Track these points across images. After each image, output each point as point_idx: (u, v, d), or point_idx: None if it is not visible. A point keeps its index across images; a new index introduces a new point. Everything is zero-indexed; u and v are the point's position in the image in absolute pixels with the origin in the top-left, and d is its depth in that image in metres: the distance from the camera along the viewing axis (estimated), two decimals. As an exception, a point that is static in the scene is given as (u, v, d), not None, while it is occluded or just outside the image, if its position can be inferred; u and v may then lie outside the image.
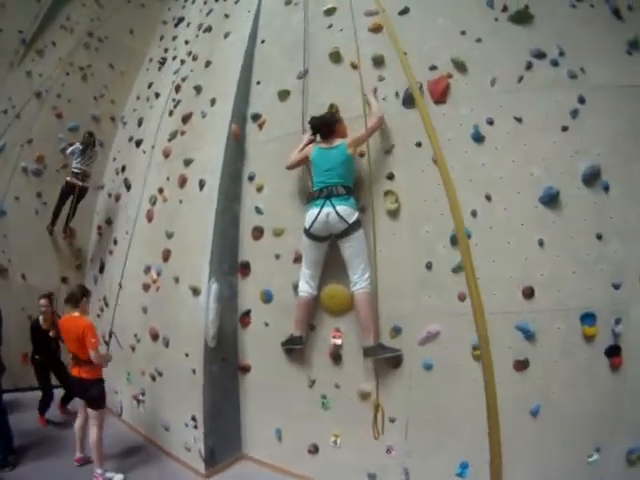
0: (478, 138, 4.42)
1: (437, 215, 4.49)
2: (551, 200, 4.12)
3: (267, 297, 5.42)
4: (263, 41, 6.44)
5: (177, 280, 6.05)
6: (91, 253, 9.03)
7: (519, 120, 4.33)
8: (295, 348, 4.97)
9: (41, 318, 6.52)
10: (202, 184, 6.10)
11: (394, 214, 4.71)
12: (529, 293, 4.03)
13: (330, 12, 5.76)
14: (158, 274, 6.44)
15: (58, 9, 9.60)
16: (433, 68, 4.76)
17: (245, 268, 5.74)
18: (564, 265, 4.07)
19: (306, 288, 4.85)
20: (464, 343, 4.19)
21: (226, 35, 7.15)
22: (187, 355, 5.54)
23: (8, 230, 8.22)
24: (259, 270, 5.64)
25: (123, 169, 8.60)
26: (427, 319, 4.42)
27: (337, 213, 4.36)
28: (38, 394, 6.58)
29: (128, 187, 8.03)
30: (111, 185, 8.98)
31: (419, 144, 4.66)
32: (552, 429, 3.95)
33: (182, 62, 7.98)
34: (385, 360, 4.46)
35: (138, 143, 8.28)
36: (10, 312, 6.35)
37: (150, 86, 8.89)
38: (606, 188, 4.12)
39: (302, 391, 5.07)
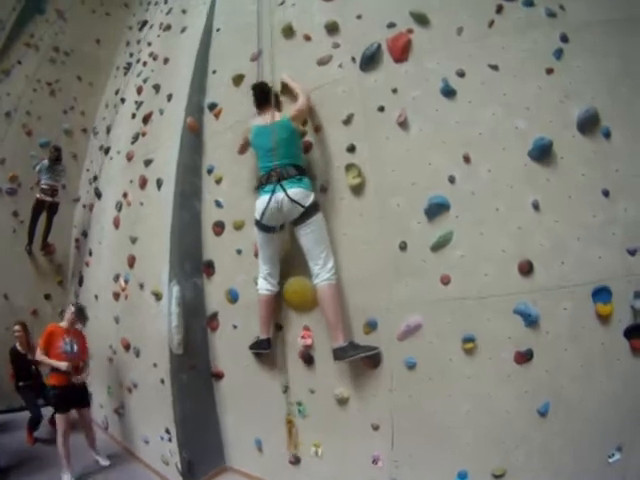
0: (448, 92, 3.32)
1: (407, 185, 3.37)
2: (543, 153, 3.02)
3: (233, 297, 4.32)
4: (218, 29, 5.39)
5: (142, 286, 5.05)
6: (71, 267, 8.00)
7: (494, 67, 3.24)
8: (263, 352, 3.93)
9: (17, 344, 5.81)
10: (159, 183, 5.12)
11: (358, 190, 3.59)
12: (527, 269, 2.94)
13: None
14: (126, 282, 5.46)
15: (21, 27, 8.56)
16: (391, 25, 3.66)
17: (209, 267, 4.65)
18: (566, 231, 2.99)
19: (265, 285, 3.80)
20: (452, 335, 3.11)
21: (183, 30, 6.14)
22: (155, 365, 4.57)
23: None
24: (223, 268, 4.53)
25: (95, 179, 7.58)
26: (405, 309, 3.30)
27: (289, 197, 3.34)
28: (28, 414, 5.78)
29: (99, 196, 7.10)
30: (85, 196, 7.93)
31: (381, 108, 3.55)
32: (564, 429, 2.87)
33: (144, 64, 7.01)
34: (361, 360, 3.31)
35: (107, 151, 7.32)
36: (-6, 333, 6.11)
37: (117, 93, 7.83)
38: (607, 135, 3.02)
39: (277, 397, 3.94)
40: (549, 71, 3.16)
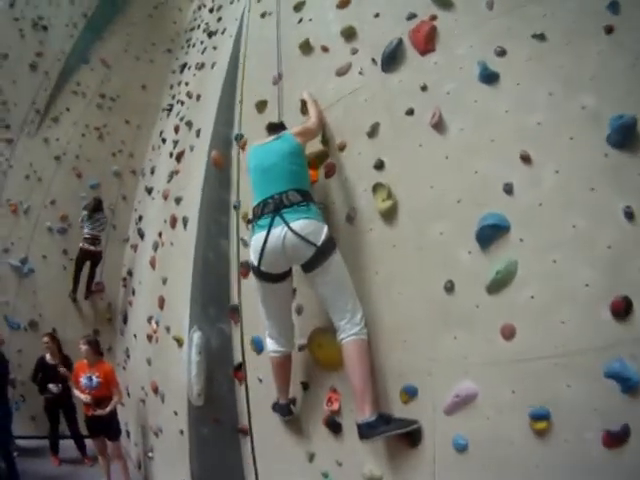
0: (489, 77, 2.36)
1: (451, 204, 2.36)
2: (626, 137, 1.93)
3: (257, 346, 3.40)
4: (244, 60, 4.70)
5: (168, 330, 4.45)
6: (120, 306, 7.55)
7: (540, 37, 2.25)
8: (283, 419, 3.00)
9: (48, 354, 5.55)
10: (185, 221, 4.54)
11: (389, 215, 2.61)
12: (623, 309, 1.85)
13: (299, 7, 4.22)
14: (157, 324, 4.90)
15: (68, 77, 8.40)
16: (412, 17, 2.83)
17: (234, 313, 3.81)
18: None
19: (274, 346, 2.78)
20: (517, 409, 2.03)
21: (213, 65, 5.65)
22: (176, 414, 4.07)
23: (37, 287, 7.15)
24: (249, 314, 3.60)
25: (140, 219, 7.26)
26: (455, 372, 2.23)
27: (294, 232, 2.32)
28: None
29: (142, 236, 6.68)
30: (132, 236, 7.56)
31: (410, 111, 2.65)
32: None
33: (182, 103, 6.66)
34: (397, 435, 2.29)
35: (149, 191, 6.94)
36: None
37: (161, 134, 7.48)
38: None
39: (302, 465, 2.96)
40: (608, 30, 2.11)
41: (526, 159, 2.15)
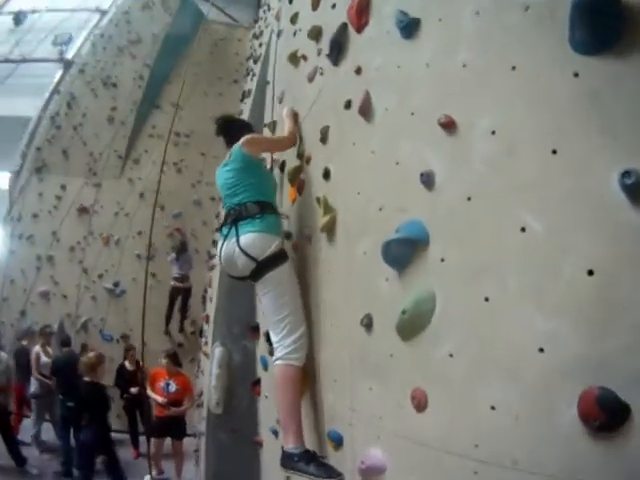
0: (409, 28, 1.49)
1: (374, 214, 1.58)
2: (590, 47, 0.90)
3: (263, 364, 3.07)
4: (267, 82, 4.48)
5: (206, 344, 4.72)
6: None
7: None
8: None
9: (127, 362, 5.99)
10: (214, 241, 4.78)
11: (329, 232, 1.98)
12: (598, 414, 0.81)
13: (294, 19, 4.04)
14: (205, 339, 5.23)
15: (143, 123, 8.88)
16: None
17: (255, 331, 3.51)
18: None
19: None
20: None
21: (249, 92, 5.88)
22: (204, 419, 4.38)
23: (128, 305, 7.65)
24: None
25: (213, 242, 7.01)
26: (369, 433, 1.46)
27: (240, 248, 2.13)
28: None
29: (211, 257, 6.73)
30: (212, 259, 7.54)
31: (348, 104, 1.91)
32: None
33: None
34: None
35: (217, 215, 6.86)
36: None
37: (232, 161, 7.74)
38: None
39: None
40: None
41: (449, 126, 1.20)
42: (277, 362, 2.04)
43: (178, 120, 8.76)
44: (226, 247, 2.25)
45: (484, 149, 1.09)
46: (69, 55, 9.70)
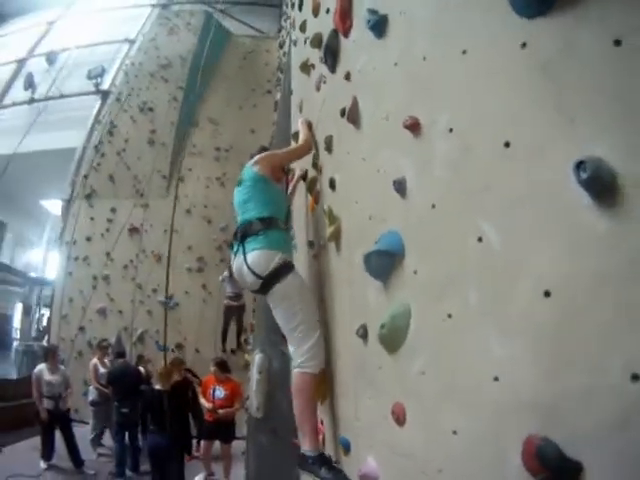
0: (379, 25, 1.45)
1: (365, 222, 1.57)
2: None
3: None
4: (291, 92, 4.52)
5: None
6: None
7: None
8: None
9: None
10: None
11: (336, 243, 1.97)
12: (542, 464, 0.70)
13: (303, 27, 4.04)
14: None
15: (183, 142, 9.09)
16: None
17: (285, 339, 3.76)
18: None
19: None
20: None
21: (276, 103, 6.04)
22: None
23: (182, 316, 7.99)
24: None
25: None
26: (367, 442, 1.45)
27: (246, 263, 2.20)
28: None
29: None
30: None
31: (342, 112, 1.86)
32: None
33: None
34: None
35: None
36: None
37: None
38: None
39: None
40: None
41: (414, 128, 1.13)
42: (294, 370, 2.10)
43: (217, 136, 9.02)
44: (236, 263, 2.33)
45: (444, 150, 1.00)
46: (104, 86, 10.31)
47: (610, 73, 0.64)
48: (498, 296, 0.80)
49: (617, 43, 0.62)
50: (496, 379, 0.79)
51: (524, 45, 0.79)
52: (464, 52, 0.97)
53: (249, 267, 2.21)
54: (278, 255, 2.21)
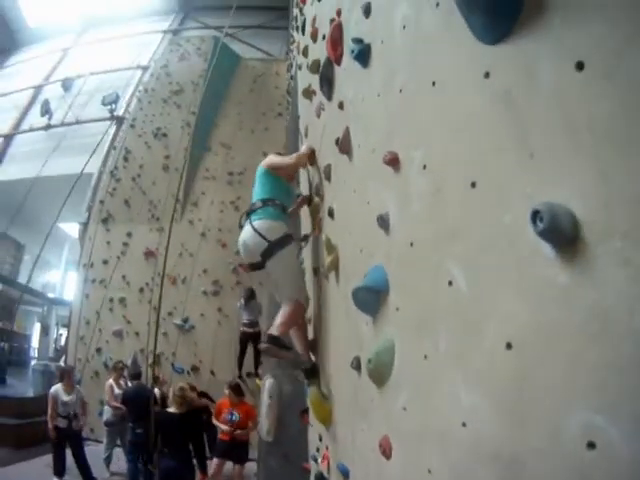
0: (363, 54, 1.47)
1: (357, 255, 1.56)
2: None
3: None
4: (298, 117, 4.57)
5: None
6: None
7: None
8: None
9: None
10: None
11: (334, 272, 1.97)
12: None
13: (305, 52, 4.09)
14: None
15: (196, 167, 9.20)
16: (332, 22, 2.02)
17: None
18: None
19: None
20: None
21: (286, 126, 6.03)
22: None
23: (198, 339, 7.99)
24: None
25: None
26: (361, 472, 1.49)
27: (254, 229, 2.57)
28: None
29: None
30: (269, 288, 8.06)
31: (337, 141, 1.86)
32: None
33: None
34: None
35: None
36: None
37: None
38: None
39: None
40: None
41: (394, 163, 1.14)
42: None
43: (229, 160, 9.12)
44: (243, 234, 2.69)
45: (420, 187, 0.99)
46: (119, 112, 10.58)
47: (572, 103, 0.57)
48: (465, 343, 0.78)
49: (579, 67, 0.56)
50: (464, 425, 0.76)
51: (487, 75, 0.75)
52: (433, 84, 0.95)
53: (256, 230, 2.55)
54: (283, 226, 2.59)
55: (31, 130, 11.19)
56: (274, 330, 2.48)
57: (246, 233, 2.63)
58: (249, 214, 2.71)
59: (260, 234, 2.53)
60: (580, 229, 0.55)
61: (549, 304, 0.59)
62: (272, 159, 3.03)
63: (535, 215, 0.58)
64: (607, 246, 0.51)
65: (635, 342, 0.48)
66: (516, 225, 0.65)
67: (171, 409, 4.60)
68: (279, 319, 2.52)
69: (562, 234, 0.55)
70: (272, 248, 2.55)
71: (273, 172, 2.92)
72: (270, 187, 3.01)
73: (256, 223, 2.58)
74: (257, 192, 2.89)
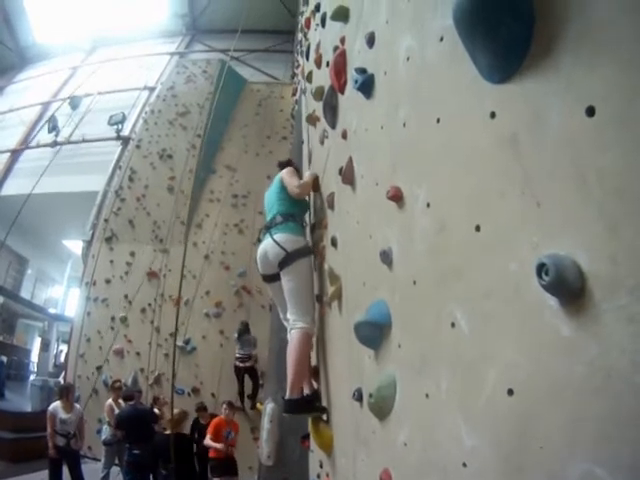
0: (367, 85, 1.48)
1: (359, 288, 1.56)
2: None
3: None
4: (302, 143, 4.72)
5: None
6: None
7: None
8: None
9: (201, 417, 6.19)
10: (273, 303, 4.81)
11: (338, 303, 1.97)
12: None
13: (309, 78, 4.14)
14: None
15: (201, 189, 9.24)
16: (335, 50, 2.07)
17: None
18: None
19: (287, 325, 2.84)
20: None
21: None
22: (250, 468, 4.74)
23: (199, 361, 7.96)
24: None
25: None
26: None
27: (274, 241, 2.66)
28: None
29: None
30: (272, 310, 8.03)
31: (340, 171, 1.87)
32: None
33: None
34: None
35: None
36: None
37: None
38: None
39: None
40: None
41: (397, 199, 1.13)
42: (295, 329, 2.48)
43: (234, 183, 9.16)
44: (262, 247, 2.77)
45: (423, 225, 0.98)
46: (125, 132, 10.69)
47: (582, 151, 0.55)
48: (466, 386, 0.78)
49: (590, 112, 0.53)
50: (464, 465, 0.76)
51: (493, 115, 0.73)
52: (438, 121, 0.93)
53: (276, 242, 2.63)
54: (301, 240, 2.69)
55: (38, 146, 11.28)
56: (289, 393, 2.39)
57: (266, 245, 2.71)
58: (269, 228, 2.79)
59: (280, 245, 2.61)
60: (586, 282, 0.54)
61: (552, 355, 0.58)
62: (286, 180, 3.10)
63: (541, 268, 0.56)
64: (612, 302, 0.50)
65: (637, 396, 0.48)
66: (522, 274, 0.64)
67: (167, 431, 4.69)
68: (289, 376, 2.43)
69: (568, 288, 0.55)
70: (291, 256, 2.61)
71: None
72: (290, 203, 3.08)
73: (277, 236, 2.66)
74: (276, 205, 2.96)
